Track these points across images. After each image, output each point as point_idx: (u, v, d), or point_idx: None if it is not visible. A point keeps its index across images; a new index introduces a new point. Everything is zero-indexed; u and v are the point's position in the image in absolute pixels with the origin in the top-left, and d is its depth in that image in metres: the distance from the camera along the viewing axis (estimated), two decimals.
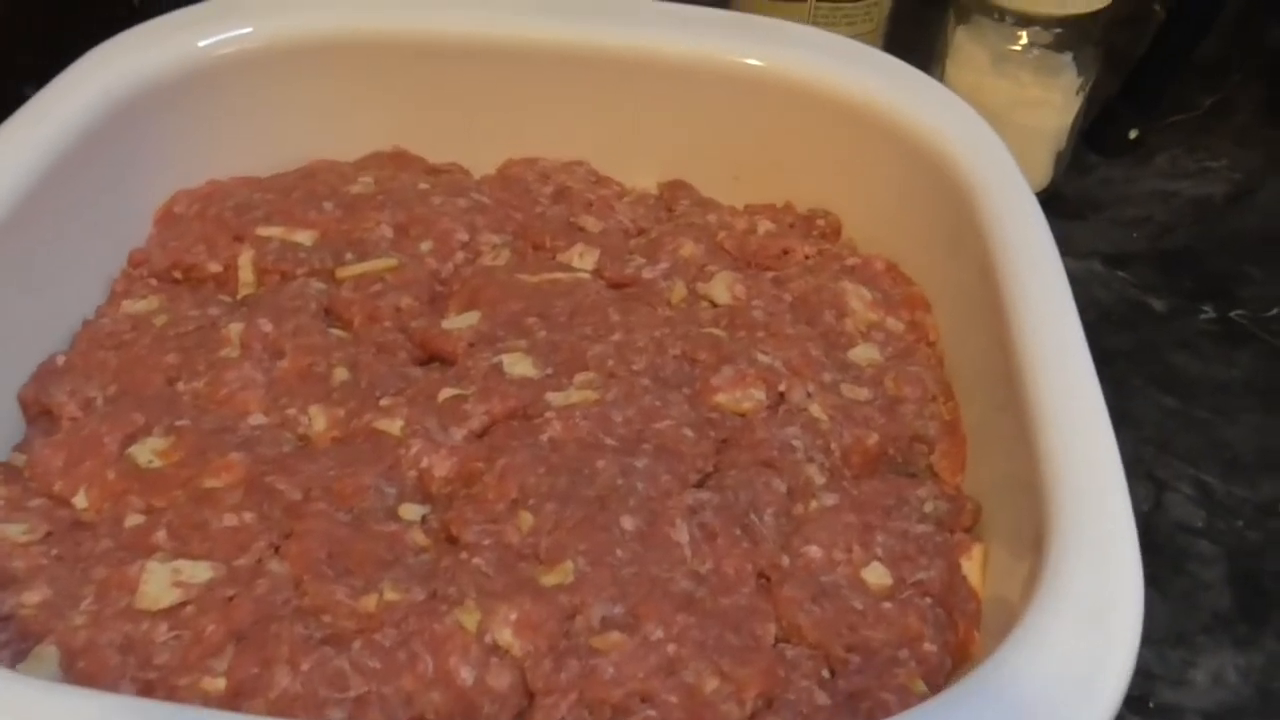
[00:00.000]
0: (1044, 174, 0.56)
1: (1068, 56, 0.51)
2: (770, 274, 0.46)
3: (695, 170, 0.51)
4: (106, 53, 0.45)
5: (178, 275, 0.44)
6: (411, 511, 0.36)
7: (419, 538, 0.35)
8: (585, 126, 0.50)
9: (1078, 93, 0.53)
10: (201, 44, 0.46)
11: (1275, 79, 0.70)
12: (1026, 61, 0.51)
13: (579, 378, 0.40)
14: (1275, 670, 0.39)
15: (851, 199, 0.49)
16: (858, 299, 0.44)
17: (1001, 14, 0.50)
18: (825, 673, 0.33)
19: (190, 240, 0.44)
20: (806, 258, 0.47)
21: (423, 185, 0.47)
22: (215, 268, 0.43)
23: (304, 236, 0.44)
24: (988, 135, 0.44)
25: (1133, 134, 0.62)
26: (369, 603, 0.33)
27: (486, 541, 0.35)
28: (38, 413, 0.38)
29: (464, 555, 0.34)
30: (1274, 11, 0.73)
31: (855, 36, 0.59)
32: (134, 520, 0.35)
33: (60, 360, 0.40)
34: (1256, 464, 0.47)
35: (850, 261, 0.46)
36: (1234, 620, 0.41)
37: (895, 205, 0.47)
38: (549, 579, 0.34)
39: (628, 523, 0.35)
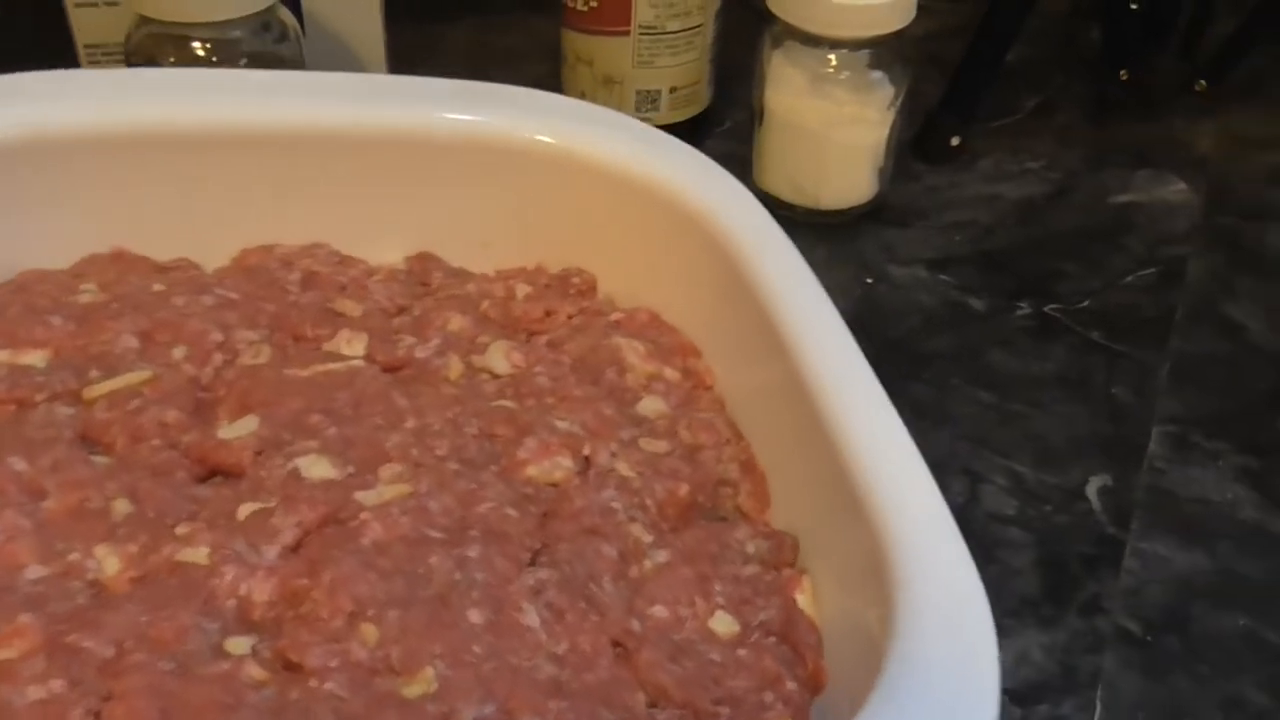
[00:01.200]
0: (867, 187, 0.57)
1: (879, 74, 0.53)
2: (543, 338, 0.46)
3: (441, 241, 0.50)
4: None
5: None
6: (239, 645, 0.33)
7: (255, 672, 0.32)
8: (320, 207, 0.48)
9: (890, 107, 0.55)
10: None
11: (1096, 78, 0.73)
12: (840, 81, 0.52)
13: (384, 471, 0.38)
14: (1075, 646, 0.42)
15: (602, 255, 0.49)
16: (633, 353, 0.45)
17: (812, 39, 0.51)
18: None
19: None
20: (570, 317, 0.47)
21: (157, 287, 0.43)
22: None
23: (35, 358, 0.40)
24: (725, 179, 0.46)
25: (955, 141, 0.63)
26: None
27: (333, 663, 0.32)
28: None
29: (313, 682, 0.32)
30: (1094, 13, 0.76)
31: (680, 65, 0.61)
32: None
33: None
34: (1066, 452, 0.50)
35: (614, 317, 0.47)
36: (1039, 602, 0.44)
37: (646, 258, 0.48)
38: (411, 690, 0.32)
39: (475, 616, 0.34)
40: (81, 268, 0.45)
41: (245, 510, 0.36)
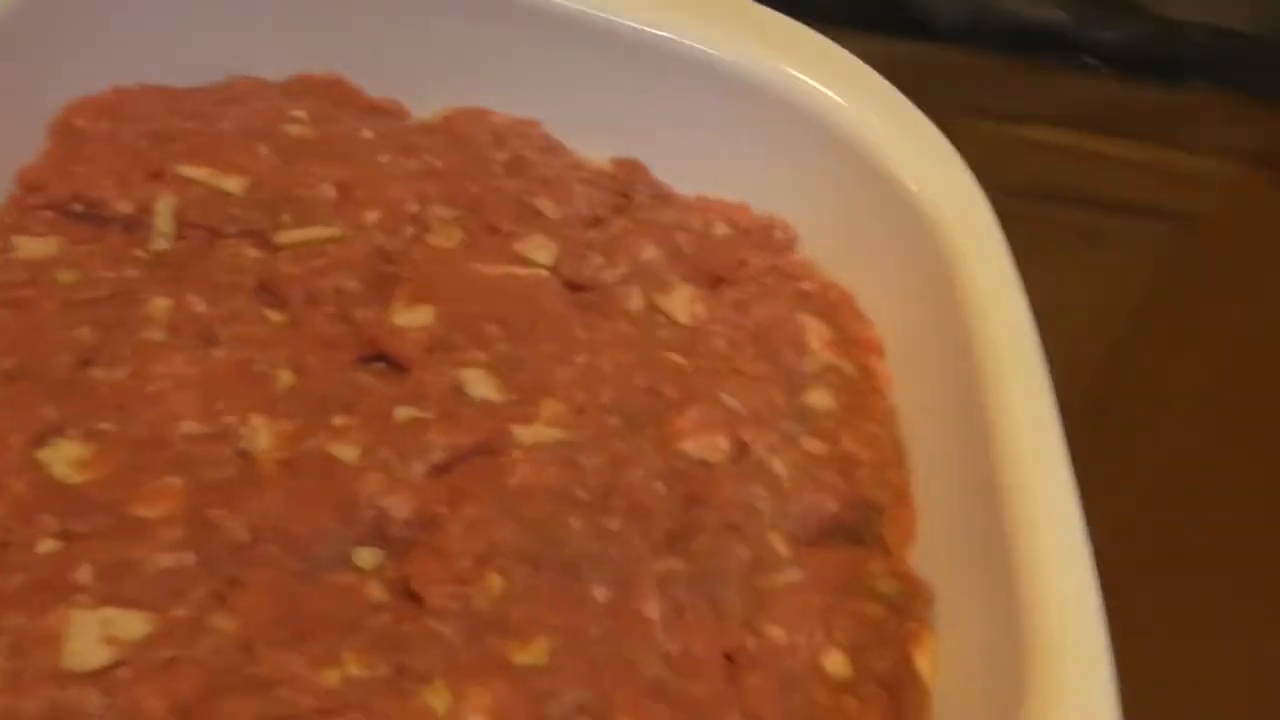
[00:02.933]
0: None
1: None
2: (731, 294, 0.44)
3: (647, 145, 0.48)
4: None
5: (78, 209, 0.38)
6: (367, 558, 0.33)
7: (376, 592, 0.32)
8: (541, 81, 0.46)
9: None
10: None
11: None
12: None
13: (545, 409, 0.37)
14: None
15: (809, 216, 0.47)
16: (817, 337, 0.43)
17: None
18: None
19: (98, 168, 0.38)
20: (762, 273, 0.45)
21: (366, 134, 0.42)
22: (126, 208, 0.38)
23: (234, 185, 0.39)
24: (972, 190, 0.43)
25: None
26: (331, 677, 0.30)
27: (453, 605, 0.32)
28: None
29: (429, 621, 0.32)
30: None
31: None
32: (48, 547, 0.30)
33: None
34: None
35: (806, 286, 0.45)
36: None
37: (855, 233, 0.45)
38: (522, 657, 0.32)
39: (600, 594, 0.33)
40: (293, 88, 0.43)
41: (402, 415, 0.35)
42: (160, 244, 0.37)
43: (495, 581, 0.33)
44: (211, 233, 0.38)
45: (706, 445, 0.38)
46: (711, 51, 0.45)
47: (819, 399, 0.41)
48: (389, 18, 0.45)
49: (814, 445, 0.40)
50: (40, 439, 0.32)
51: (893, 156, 0.44)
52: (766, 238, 0.46)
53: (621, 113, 0.47)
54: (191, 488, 0.32)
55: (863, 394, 0.42)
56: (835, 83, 0.45)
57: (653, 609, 0.34)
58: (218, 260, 0.37)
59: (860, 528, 0.40)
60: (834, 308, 0.44)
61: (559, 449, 0.36)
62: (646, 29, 0.45)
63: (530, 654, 0.32)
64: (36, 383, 0.33)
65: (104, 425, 0.32)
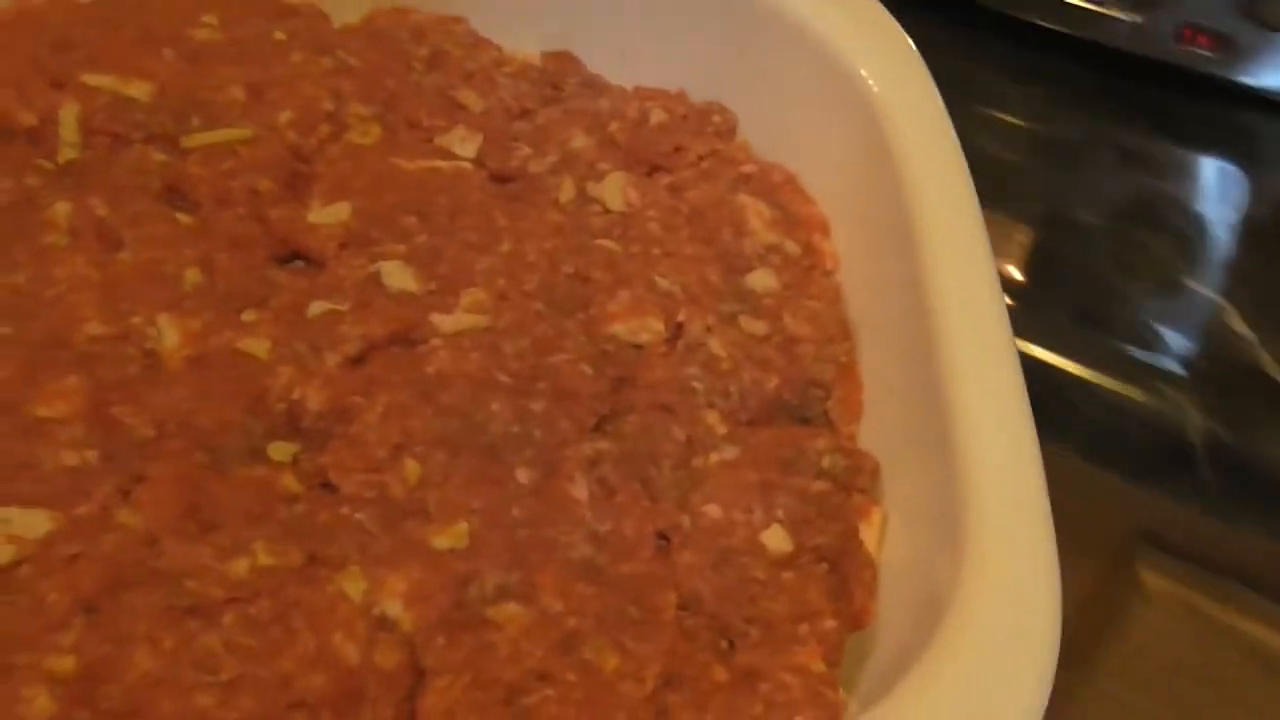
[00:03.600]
0: None
1: None
2: (666, 179, 0.42)
3: (581, 39, 0.46)
4: None
5: None
6: (281, 451, 0.32)
7: (290, 483, 0.31)
8: None
9: None
10: None
11: None
12: None
13: (466, 297, 0.36)
14: None
15: (748, 98, 0.45)
16: (757, 216, 0.41)
17: None
18: (723, 643, 0.32)
19: None
20: (700, 159, 0.44)
21: (278, 35, 0.41)
22: (29, 120, 0.37)
23: (139, 90, 0.38)
24: (910, 56, 0.42)
25: None
26: (240, 567, 0.29)
27: (368, 494, 0.31)
28: None
29: (344, 509, 0.31)
30: None
31: None
32: None
33: None
34: None
35: (747, 169, 0.43)
36: None
37: (796, 114, 0.44)
38: (440, 541, 0.31)
39: (523, 476, 0.33)
40: None
41: (316, 308, 0.34)
42: (68, 154, 0.36)
43: (412, 468, 0.32)
44: (117, 139, 0.37)
45: (637, 327, 0.37)
46: None
47: (761, 279, 0.40)
48: None
49: (754, 325, 0.39)
50: None
51: (837, 40, 0.43)
52: (705, 123, 0.45)
53: (555, 7, 0.46)
54: (92, 386, 0.31)
55: (806, 272, 0.41)
56: None
57: (579, 489, 0.33)
58: (122, 165, 0.36)
59: (804, 405, 0.39)
60: (776, 188, 0.43)
61: (480, 336, 0.35)
62: None
63: (450, 537, 0.31)
64: None
65: (2, 330, 0.32)
